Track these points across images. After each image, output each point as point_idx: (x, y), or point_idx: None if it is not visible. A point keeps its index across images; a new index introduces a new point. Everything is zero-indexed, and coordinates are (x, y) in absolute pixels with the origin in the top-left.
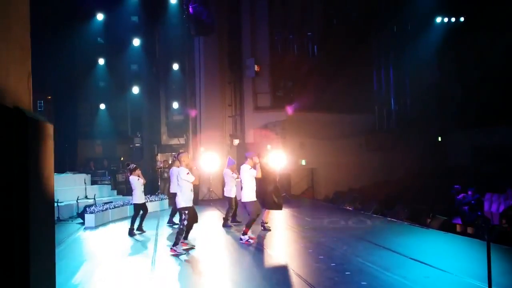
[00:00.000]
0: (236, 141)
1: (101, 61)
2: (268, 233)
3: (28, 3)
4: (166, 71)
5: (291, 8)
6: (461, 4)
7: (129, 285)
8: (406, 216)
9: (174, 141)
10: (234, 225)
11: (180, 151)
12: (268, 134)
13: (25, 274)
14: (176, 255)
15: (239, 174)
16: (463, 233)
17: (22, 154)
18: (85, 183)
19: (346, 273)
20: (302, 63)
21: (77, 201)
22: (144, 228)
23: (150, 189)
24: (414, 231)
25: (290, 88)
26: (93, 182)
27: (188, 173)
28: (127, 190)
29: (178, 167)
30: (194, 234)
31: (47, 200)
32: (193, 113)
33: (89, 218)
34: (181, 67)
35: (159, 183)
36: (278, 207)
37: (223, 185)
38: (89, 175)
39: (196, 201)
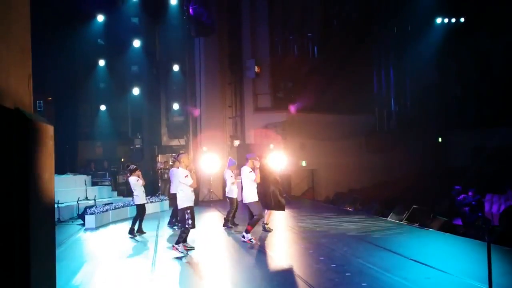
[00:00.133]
0: (236, 142)
1: (102, 62)
2: (269, 234)
3: (28, 4)
4: (166, 72)
5: (291, 9)
6: (461, 5)
7: (130, 286)
8: (406, 217)
9: (175, 142)
10: (233, 226)
11: (180, 152)
12: (269, 133)
13: (26, 275)
14: (177, 253)
15: (239, 175)
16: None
17: (22, 155)
18: (85, 184)
19: (347, 274)
20: (302, 64)
21: (77, 202)
22: (144, 230)
23: (151, 190)
24: (415, 232)
25: (291, 89)
26: (94, 183)
27: (186, 176)
28: (127, 191)
29: (178, 168)
30: (195, 235)
31: (48, 201)
32: (196, 112)
33: (90, 219)
34: (181, 68)
35: (159, 184)
36: (281, 208)
37: (224, 186)
38: (90, 176)
39: (196, 202)
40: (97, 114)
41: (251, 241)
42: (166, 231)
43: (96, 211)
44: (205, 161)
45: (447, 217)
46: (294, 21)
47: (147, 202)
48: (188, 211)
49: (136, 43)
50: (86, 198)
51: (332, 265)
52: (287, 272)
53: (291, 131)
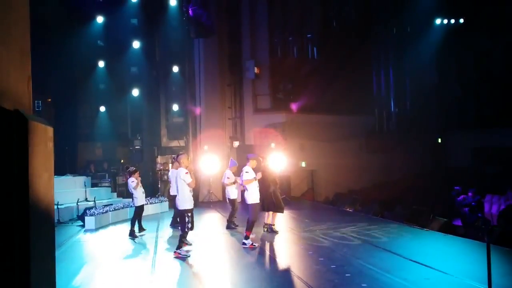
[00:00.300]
0: (236, 143)
1: (101, 64)
2: (268, 235)
3: (28, 5)
4: (166, 73)
5: (290, 10)
6: (461, 5)
7: (129, 287)
8: (406, 218)
9: (174, 143)
10: (232, 227)
11: (180, 152)
12: (270, 132)
13: (26, 276)
14: (180, 258)
15: (239, 175)
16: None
17: (22, 156)
18: (85, 185)
19: (346, 275)
20: (302, 65)
21: (77, 203)
22: (144, 227)
23: (151, 191)
24: (414, 232)
25: (290, 90)
26: (93, 185)
27: (187, 172)
28: (127, 193)
29: (177, 168)
30: (194, 236)
31: (47, 203)
32: (197, 110)
33: (89, 220)
34: (181, 69)
35: (159, 185)
36: (280, 209)
37: (224, 187)
38: (89, 178)
39: (195, 203)
40: (97, 115)
41: (254, 246)
42: (166, 232)
43: (96, 212)
44: (205, 162)
45: (447, 217)
46: (293, 22)
47: (147, 203)
48: (189, 214)
49: (136, 44)
50: (86, 199)
51: (332, 266)
52: (286, 272)
53: (290, 132)
